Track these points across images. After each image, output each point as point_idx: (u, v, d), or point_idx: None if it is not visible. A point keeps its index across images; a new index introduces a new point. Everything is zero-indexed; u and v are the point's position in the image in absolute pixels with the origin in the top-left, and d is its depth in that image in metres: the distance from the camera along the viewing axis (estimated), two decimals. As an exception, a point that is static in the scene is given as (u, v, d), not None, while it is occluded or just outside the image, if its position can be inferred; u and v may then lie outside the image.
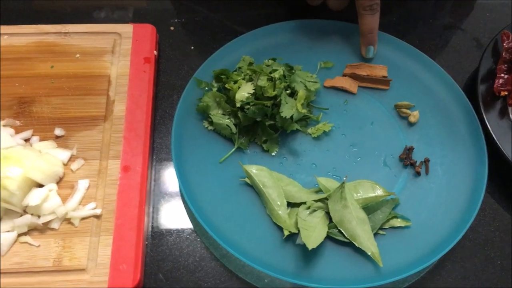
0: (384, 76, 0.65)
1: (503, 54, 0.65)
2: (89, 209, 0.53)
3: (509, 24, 0.68)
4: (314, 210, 0.55)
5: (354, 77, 0.66)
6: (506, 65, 0.64)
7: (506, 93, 0.62)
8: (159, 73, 0.68)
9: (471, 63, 0.70)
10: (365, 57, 0.66)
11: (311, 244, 0.51)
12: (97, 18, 0.73)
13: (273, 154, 0.60)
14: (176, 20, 0.73)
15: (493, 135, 0.59)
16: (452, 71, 0.67)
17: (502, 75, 0.63)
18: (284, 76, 0.61)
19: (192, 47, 0.71)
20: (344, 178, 0.58)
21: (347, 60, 0.67)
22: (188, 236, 0.55)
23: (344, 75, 0.66)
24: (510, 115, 0.62)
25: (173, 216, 0.57)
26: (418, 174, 0.59)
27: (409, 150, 0.60)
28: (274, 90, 0.59)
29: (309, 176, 0.59)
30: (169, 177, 0.60)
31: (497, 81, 0.63)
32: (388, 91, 0.65)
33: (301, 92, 0.60)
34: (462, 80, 0.69)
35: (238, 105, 0.58)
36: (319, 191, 0.57)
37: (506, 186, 0.60)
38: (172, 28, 0.72)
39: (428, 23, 0.75)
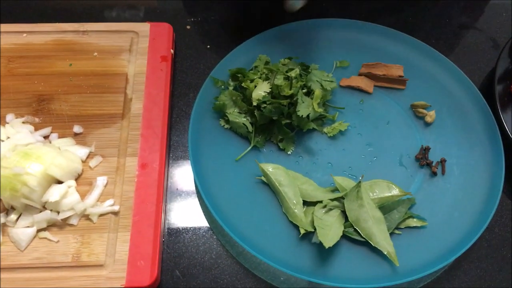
0: (400, 76, 0.65)
1: (521, 53, 0.64)
2: (107, 206, 0.53)
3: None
4: (330, 209, 0.55)
5: (370, 76, 0.65)
6: (523, 64, 0.64)
7: (524, 92, 0.62)
8: (176, 72, 0.69)
9: (487, 63, 0.70)
10: (289, 10, 0.58)
11: (328, 243, 0.51)
12: (112, 17, 0.74)
13: (289, 153, 0.60)
14: (192, 19, 0.74)
15: (511, 136, 0.59)
16: (468, 71, 0.67)
17: (519, 74, 0.63)
18: (300, 75, 0.61)
19: (208, 46, 0.71)
20: (360, 178, 0.58)
21: (363, 60, 0.67)
22: (204, 234, 0.56)
23: (360, 75, 0.66)
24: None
25: (190, 213, 0.57)
26: (434, 174, 0.59)
27: (425, 150, 0.60)
28: (290, 89, 0.59)
29: (325, 175, 0.59)
30: (186, 175, 0.60)
31: (515, 81, 0.63)
32: (404, 90, 0.65)
33: (318, 91, 0.60)
34: (478, 80, 0.68)
35: (254, 103, 0.58)
36: (335, 190, 0.57)
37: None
38: (188, 27, 0.73)
39: (443, 22, 0.74)
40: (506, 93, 0.63)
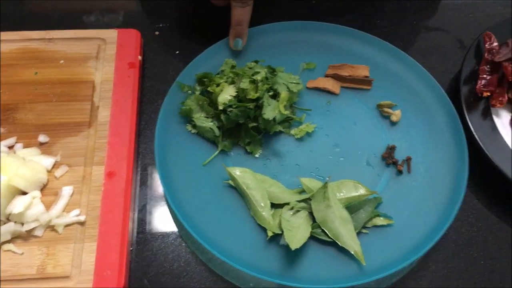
0: (366, 76, 0.65)
1: (485, 55, 0.65)
2: (73, 216, 0.53)
3: (491, 25, 0.69)
4: (298, 211, 0.56)
5: (337, 77, 0.66)
6: (488, 66, 0.64)
7: (488, 93, 0.62)
8: (144, 78, 0.68)
9: (455, 64, 0.71)
10: (233, 49, 0.66)
11: (294, 245, 0.51)
12: (82, 23, 0.74)
13: (257, 155, 0.60)
14: (161, 25, 0.74)
15: (475, 135, 0.59)
16: (436, 72, 0.67)
17: (485, 76, 0.64)
18: (266, 78, 0.62)
19: (177, 52, 0.71)
20: (327, 178, 0.58)
21: (330, 61, 0.67)
22: (173, 241, 0.56)
23: (327, 76, 0.66)
24: (493, 116, 0.63)
25: (158, 221, 0.57)
26: (400, 172, 0.59)
27: (391, 149, 0.61)
28: (256, 92, 0.59)
29: (293, 177, 0.59)
30: (154, 182, 0.60)
31: (479, 82, 0.63)
32: (370, 91, 0.66)
33: (284, 94, 0.60)
34: (446, 81, 0.69)
35: (220, 108, 0.58)
36: (302, 191, 0.57)
37: (489, 186, 0.60)
38: (157, 33, 0.73)
39: (412, 24, 0.75)
40: (472, 93, 0.64)
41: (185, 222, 0.53)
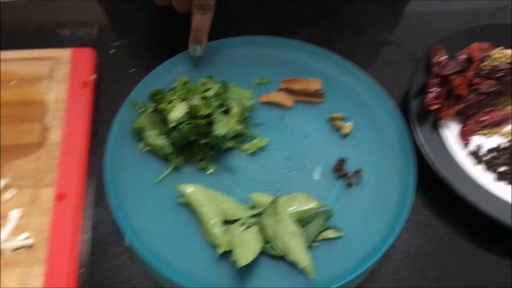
0: (318, 90, 0.66)
1: (434, 68, 0.66)
2: (21, 240, 0.52)
3: (441, 38, 0.70)
4: (249, 226, 0.56)
5: (289, 91, 0.67)
6: (437, 79, 0.66)
7: (437, 106, 0.63)
8: (99, 97, 0.68)
9: (408, 77, 0.72)
10: (193, 55, 0.67)
11: (244, 261, 0.52)
12: (37, 42, 0.73)
13: (210, 172, 0.61)
14: (117, 43, 0.74)
15: (423, 148, 0.60)
16: (389, 85, 0.68)
17: (433, 89, 0.65)
18: (219, 94, 0.62)
19: (134, 70, 0.71)
20: (277, 193, 0.59)
21: (284, 75, 0.68)
22: (124, 262, 0.56)
23: (280, 90, 0.67)
24: (442, 128, 0.64)
25: (110, 241, 0.57)
26: (350, 184, 0.60)
27: (342, 161, 0.62)
28: (208, 109, 0.60)
29: (246, 192, 0.59)
30: (106, 203, 0.60)
31: (428, 95, 0.64)
32: (322, 104, 0.67)
33: (235, 109, 0.61)
34: (399, 94, 0.70)
35: (171, 125, 0.59)
36: (255, 206, 0.58)
37: (437, 198, 0.61)
38: (113, 51, 0.73)
39: (364, 37, 0.76)
40: (423, 106, 0.65)
41: (135, 242, 0.53)
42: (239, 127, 0.61)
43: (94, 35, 0.74)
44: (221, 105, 0.61)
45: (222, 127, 0.59)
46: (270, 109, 0.66)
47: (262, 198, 0.58)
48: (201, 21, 0.64)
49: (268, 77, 0.68)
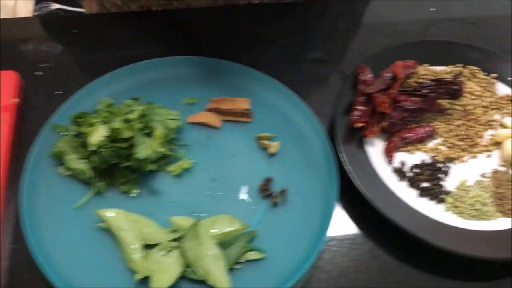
0: (246, 109, 0.66)
1: (360, 86, 0.67)
2: None
3: (369, 56, 0.71)
4: (170, 250, 0.55)
5: (217, 111, 0.67)
6: (363, 97, 0.66)
7: (362, 124, 0.64)
8: (24, 120, 0.67)
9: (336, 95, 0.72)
10: None
11: (161, 286, 0.51)
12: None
13: (133, 195, 0.60)
14: (44, 65, 0.72)
15: (346, 165, 0.61)
16: (320, 103, 0.69)
17: (359, 107, 0.65)
18: (143, 115, 0.61)
19: (60, 92, 0.70)
20: (201, 215, 0.58)
21: (212, 95, 0.68)
22: (40, 290, 0.54)
23: (208, 110, 0.67)
24: (367, 146, 0.64)
25: (26, 271, 0.55)
26: (275, 204, 0.60)
27: (267, 181, 0.61)
28: (129, 132, 0.59)
29: (169, 215, 0.58)
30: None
31: (353, 113, 0.65)
32: (251, 123, 0.67)
33: (158, 132, 0.60)
34: (328, 112, 0.70)
35: (91, 149, 0.57)
36: (176, 230, 0.57)
37: (361, 216, 0.61)
38: (40, 73, 0.71)
39: (295, 56, 0.77)
40: (348, 124, 0.65)
41: (48, 270, 0.51)
42: (162, 149, 0.60)
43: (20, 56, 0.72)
44: (144, 128, 0.61)
45: (144, 149, 0.59)
46: (198, 130, 0.66)
47: (183, 221, 0.57)
48: None
49: (196, 98, 0.68)
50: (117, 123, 0.59)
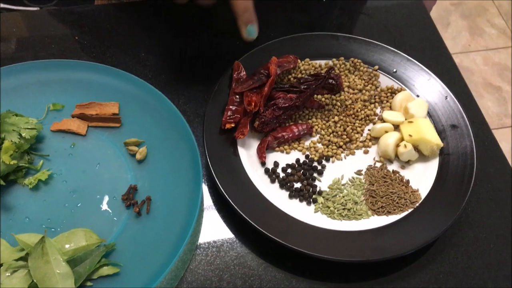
0: (114, 114, 0.63)
1: (234, 85, 0.64)
2: None
3: (247, 54, 0.68)
4: (15, 270, 0.52)
5: (83, 117, 0.63)
6: (237, 96, 0.64)
7: (232, 125, 0.61)
8: None
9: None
10: (247, 39, 0.61)
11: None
12: None
13: (-17, 212, 0.56)
14: None
15: (213, 171, 0.58)
16: (198, 103, 0.67)
17: (232, 107, 0.63)
18: (-4, 126, 0.58)
19: None
20: (57, 230, 0.55)
21: (80, 100, 0.64)
22: None
23: (73, 116, 0.63)
24: (240, 147, 0.62)
25: None
26: (139, 214, 0.57)
27: (132, 190, 0.58)
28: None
29: (22, 232, 0.55)
30: None
31: (226, 113, 0.62)
32: (120, 128, 0.63)
33: (7, 143, 0.56)
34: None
35: None
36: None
37: (229, 223, 0.59)
38: None
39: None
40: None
41: None
42: (14, 162, 0.56)
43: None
44: (-6, 138, 0.57)
45: (-9, 163, 0.55)
46: (61, 138, 0.62)
47: (31, 238, 0.53)
48: (244, 1, 0.59)
49: (61, 103, 0.64)
50: (-40, 136, 0.55)
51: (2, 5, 2.07)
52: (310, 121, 0.66)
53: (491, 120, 1.86)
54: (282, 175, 0.61)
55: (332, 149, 0.64)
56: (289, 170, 0.62)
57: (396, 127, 0.65)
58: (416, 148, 0.63)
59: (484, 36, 2.11)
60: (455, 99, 0.67)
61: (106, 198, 0.58)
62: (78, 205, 0.57)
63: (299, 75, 0.69)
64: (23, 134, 0.58)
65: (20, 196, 0.57)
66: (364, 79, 0.69)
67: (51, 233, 0.55)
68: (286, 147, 0.63)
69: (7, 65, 0.65)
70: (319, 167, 0.62)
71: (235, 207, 0.56)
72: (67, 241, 0.54)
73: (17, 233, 0.55)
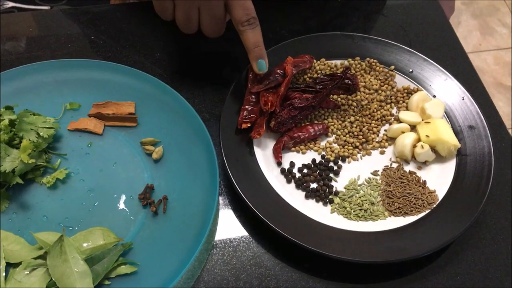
0: (131, 113, 0.63)
1: (249, 85, 0.64)
2: None
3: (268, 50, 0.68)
4: (34, 269, 0.52)
5: (100, 116, 0.63)
6: (253, 96, 0.64)
7: (248, 125, 0.61)
8: None
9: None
10: (259, 73, 0.63)
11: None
12: None
13: (2, 210, 0.56)
14: None
15: (229, 171, 0.58)
16: (214, 103, 0.67)
17: (247, 106, 0.63)
18: (11, 124, 0.58)
19: None
20: (75, 229, 0.55)
21: (96, 99, 0.64)
22: None
23: (90, 116, 0.64)
24: (256, 147, 0.62)
25: None
26: (155, 213, 0.57)
27: (148, 189, 0.59)
28: (-4, 143, 0.55)
29: (40, 230, 0.55)
30: None
31: (242, 113, 0.62)
32: (136, 128, 0.63)
33: (25, 142, 0.57)
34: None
35: None
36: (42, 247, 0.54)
37: (245, 222, 0.59)
38: None
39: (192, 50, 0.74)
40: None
41: None
42: (31, 161, 0.56)
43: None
44: (13, 138, 0.57)
45: (10, 162, 0.55)
46: (78, 137, 0.62)
47: (50, 236, 0.54)
48: (255, 36, 0.61)
49: (78, 103, 0.64)
50: (-21, 135, 0.55)
51: (14, 4, 2.09)
52: (326, 121, 0.65)
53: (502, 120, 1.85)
54: (298, 175, 0.61)
55: (348, 150, 0.63)
56: (305, 170, 0.61)
57: (413, 127, 0.65)
58: (433, 149, 0.62)
59: (495, 36, 2.09)
60: (472, 99, 0.66)
61: (123, 197, 0.58)
62: (95, 204, 0.58)
63: (315, 75, 0.68)
64: (41, 133, 0.59)
65: (38, 194, 0.58)
66: (380, 79, 0.69)
67: (69, 232, 0.55)
68: (302, 147, 0.63)
69: (24, 64, 0.65)
70: (335, 168, 0.62)
71: (252, 207, 0.56)
72: (85, 239, 0.55)
73: (35, 231, 0.55)
